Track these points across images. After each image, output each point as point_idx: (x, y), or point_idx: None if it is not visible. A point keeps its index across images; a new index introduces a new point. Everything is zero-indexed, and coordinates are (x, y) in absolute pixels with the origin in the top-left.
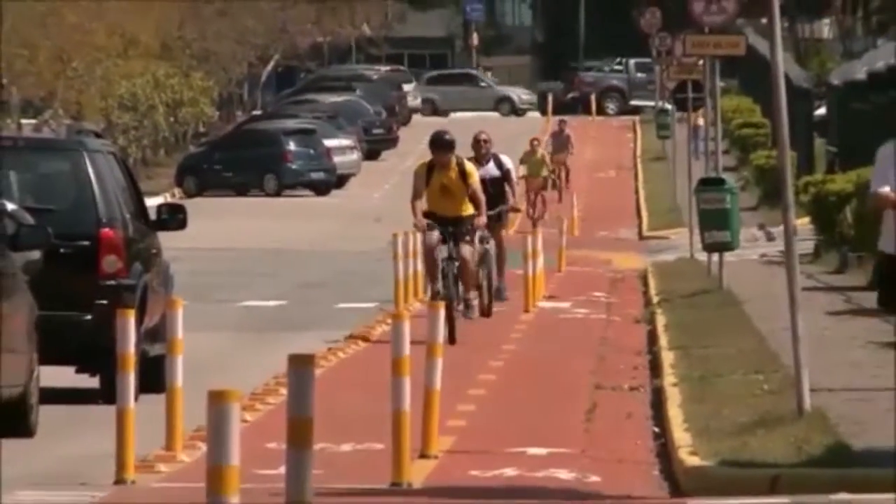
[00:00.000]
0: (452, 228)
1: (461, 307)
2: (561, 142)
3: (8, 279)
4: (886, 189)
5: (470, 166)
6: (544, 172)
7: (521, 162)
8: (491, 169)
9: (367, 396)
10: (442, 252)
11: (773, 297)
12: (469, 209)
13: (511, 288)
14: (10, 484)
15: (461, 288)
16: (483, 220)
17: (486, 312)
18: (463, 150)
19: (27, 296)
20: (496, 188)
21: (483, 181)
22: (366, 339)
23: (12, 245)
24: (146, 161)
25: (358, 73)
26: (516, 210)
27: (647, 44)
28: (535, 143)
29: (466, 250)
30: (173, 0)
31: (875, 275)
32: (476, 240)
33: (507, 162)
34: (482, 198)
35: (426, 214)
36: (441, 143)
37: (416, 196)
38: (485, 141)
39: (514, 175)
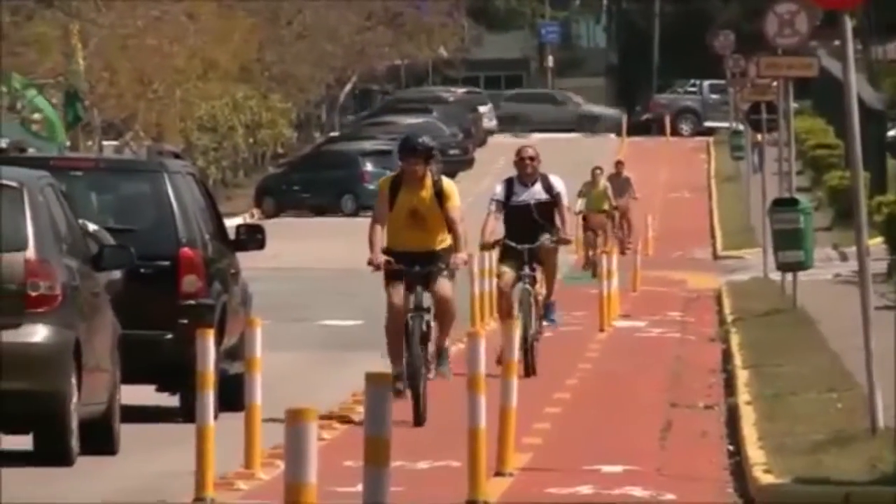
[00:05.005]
0: (421, 268)
1: (431, 372)
2: (620, 185)
3: (93, 298)
4: None
5: (450, 186)
6: (605, 206)
7: (580, 195)
8: (537, 192)
9: (444, 413)
10: (408, 303)
11: (847, 316)
12: (446, 240)
13: (585, 307)
14: (93, 500)
15: (430, 348)
16: (463, 257)
17: (531, 369)
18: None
19: (110, 315)
20: (543, 215)
21: (527, 206)
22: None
23: (95, 265)
24: (225, 182)
25: (434, 96)
26: (566, 242)
27: (720, 66)
28: (598, 172)
29: (445, 287)
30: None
31: None
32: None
33: (558, 184)
34: (462, 230)
35: (385, 251)
36: (410, 148)
37: (376, 220)
38: (531, 158)
39: (565, 200)
